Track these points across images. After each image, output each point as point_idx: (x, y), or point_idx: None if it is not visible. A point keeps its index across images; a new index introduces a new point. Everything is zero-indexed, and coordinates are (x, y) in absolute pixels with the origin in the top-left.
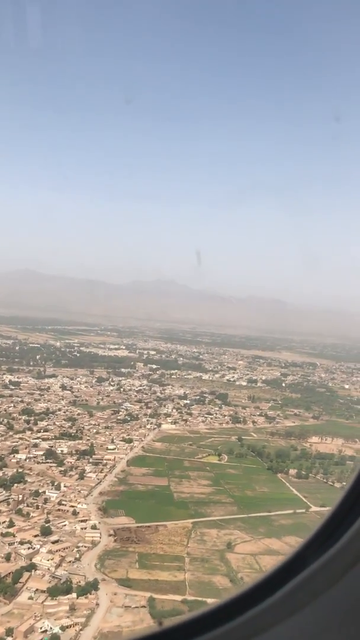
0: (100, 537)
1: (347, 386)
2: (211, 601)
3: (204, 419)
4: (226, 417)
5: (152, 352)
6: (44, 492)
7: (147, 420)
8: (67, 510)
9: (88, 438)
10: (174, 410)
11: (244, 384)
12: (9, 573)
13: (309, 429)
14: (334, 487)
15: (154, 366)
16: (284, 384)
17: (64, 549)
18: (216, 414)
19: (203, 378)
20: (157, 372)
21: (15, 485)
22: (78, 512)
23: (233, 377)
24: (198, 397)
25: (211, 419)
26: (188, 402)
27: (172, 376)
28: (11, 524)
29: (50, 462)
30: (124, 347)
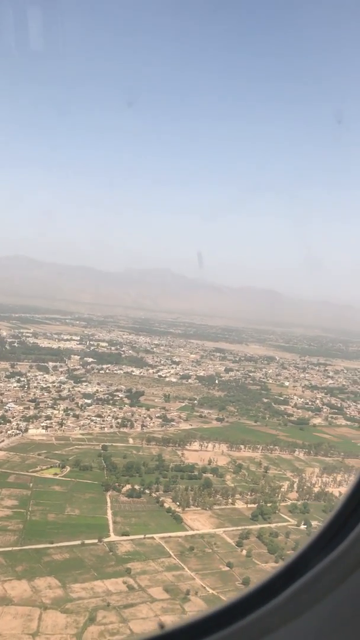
0: None
1: (287, 383)
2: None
3: (88, 422)
4: (118, 420)
5: (104, 344)
6: None
7: (17, 424)
8: None
9: None
10: (62, 412)
11: (174, 380)
12: None
13: (198, 434)
14: (160, 510)
15: (90, 360)
16: (217, 381)
17: None
18: (108, 416)
19: (133, 374)
20: (88, 366)
21: None
22: None
23: (169, 372)
24: (107, 395)
25: (97, 422)
26: (90, 401)
27: (101, 371)
28: None
29: None
30: (77, 338)
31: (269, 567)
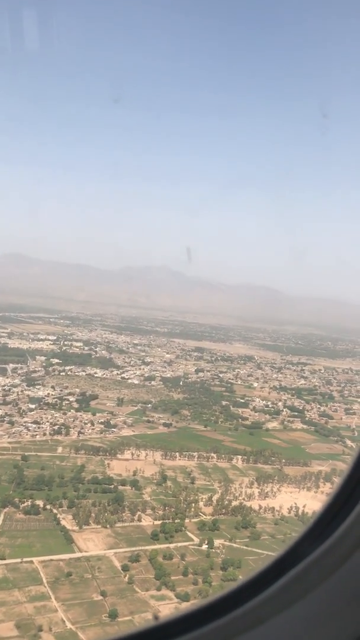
0: None
1: (255, 384)
2: None
3: (21, 429)
4: (55, 427)
5: (79, 344)
6: None
7: None
8: None
9: None
10: None
11: (137, 382)
12: None
13: (137, 441)
14: (55, 529)
15: (56, 361)
16: (182, 382)
17: None
18: (47, 422)
19: (96, 375)
20: (50, 368)
21: None
22: None
23: (134, 374)
24: (57, 400)
25: (31, 429)
26: (34, 406)
27: (62, 373)
28: None
29: None
30: (52, 338)
31: (148, 595)
